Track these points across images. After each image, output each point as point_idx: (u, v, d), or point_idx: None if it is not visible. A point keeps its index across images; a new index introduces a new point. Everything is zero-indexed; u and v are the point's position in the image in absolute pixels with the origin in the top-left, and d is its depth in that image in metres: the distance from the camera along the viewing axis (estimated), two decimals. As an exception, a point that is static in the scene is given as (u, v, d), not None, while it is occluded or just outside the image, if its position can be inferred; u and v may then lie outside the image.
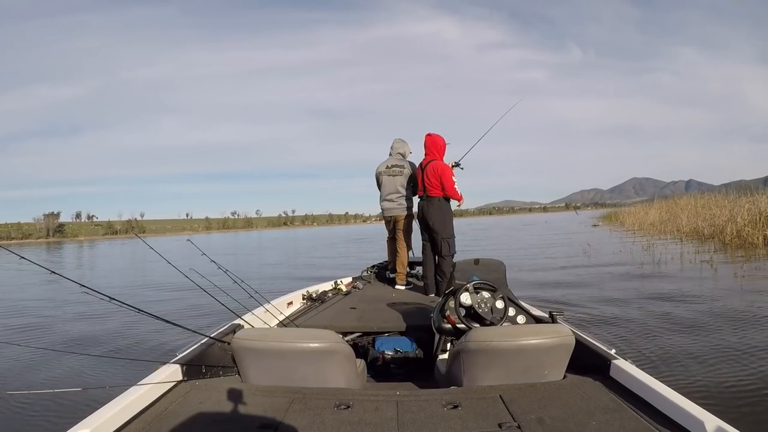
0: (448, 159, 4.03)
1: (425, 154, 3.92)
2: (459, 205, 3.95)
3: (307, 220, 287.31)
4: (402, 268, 4.17)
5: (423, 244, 4.02)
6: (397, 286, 4.13)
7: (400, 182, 4.13)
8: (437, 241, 3.81)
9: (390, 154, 4.25)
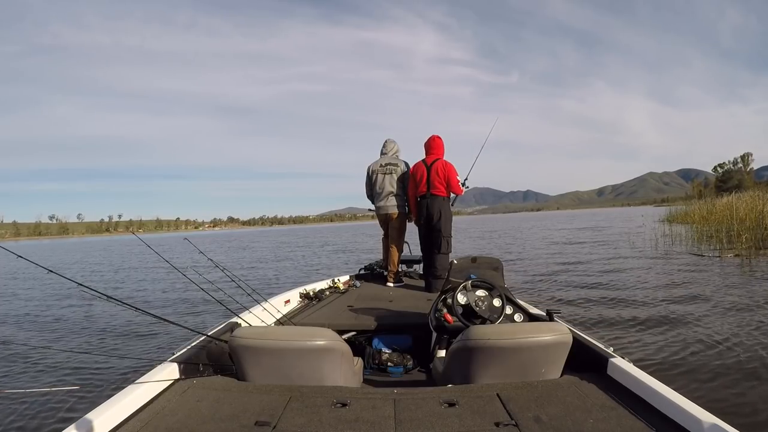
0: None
1: (430, 153, 4.00)
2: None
3: (132, 225, 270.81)
4: (393, 266, 4.16)
5: (421, 242, 4.03)
6: (388, 284, 4.12)
7: (393, 180, 4.13)
8: (438, 239, 3.86)
9: (383, 153, 4.24)
